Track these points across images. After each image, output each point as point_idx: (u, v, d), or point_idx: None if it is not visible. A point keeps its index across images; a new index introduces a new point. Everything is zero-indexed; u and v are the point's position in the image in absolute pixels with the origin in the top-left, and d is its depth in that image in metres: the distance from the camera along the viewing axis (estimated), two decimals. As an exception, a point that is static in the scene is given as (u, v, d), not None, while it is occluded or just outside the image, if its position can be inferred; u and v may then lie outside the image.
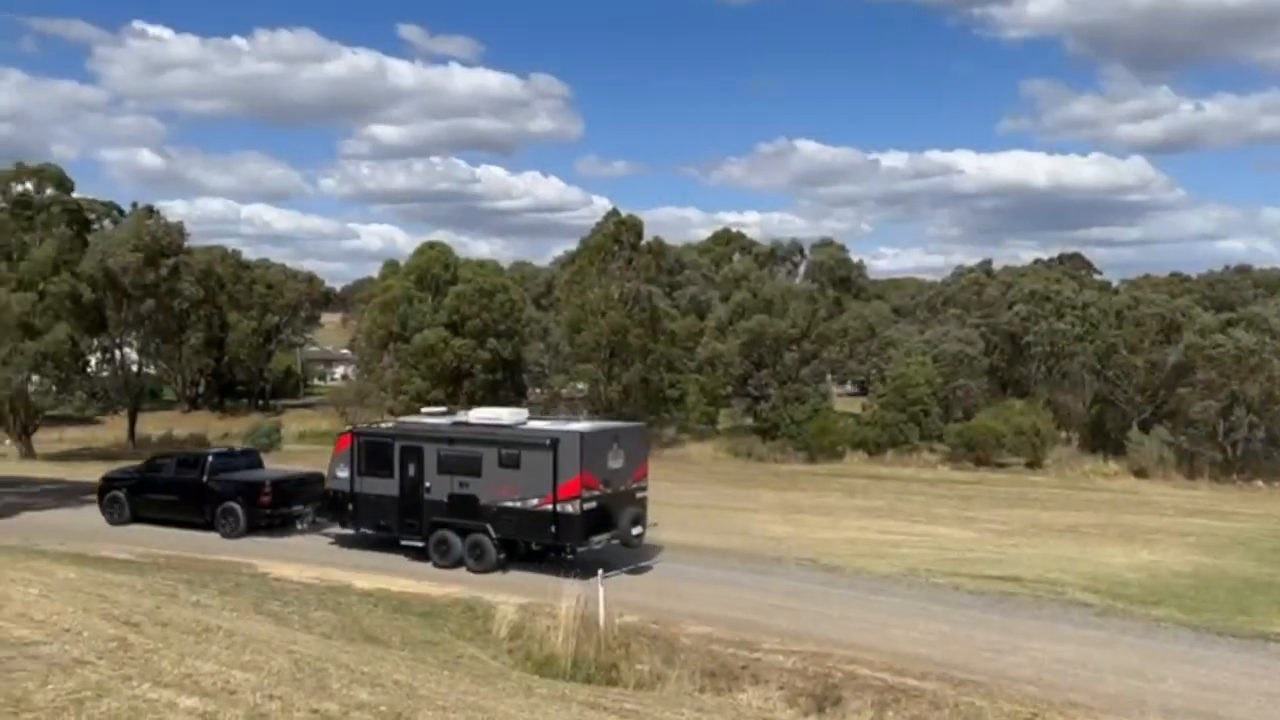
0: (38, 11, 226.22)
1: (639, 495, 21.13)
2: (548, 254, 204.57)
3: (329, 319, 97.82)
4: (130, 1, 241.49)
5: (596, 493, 19.34)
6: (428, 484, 20.44)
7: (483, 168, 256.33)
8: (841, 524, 28.32)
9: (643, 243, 50.96)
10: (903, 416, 46.14)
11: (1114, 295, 55.71)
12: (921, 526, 27.92)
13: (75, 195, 48.66)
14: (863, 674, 13.72)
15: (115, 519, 24.70)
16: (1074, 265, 79.11)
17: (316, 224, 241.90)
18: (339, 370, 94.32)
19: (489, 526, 19.70)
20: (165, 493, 24.40)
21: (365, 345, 52.31)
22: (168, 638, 8.31)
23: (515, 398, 53.34)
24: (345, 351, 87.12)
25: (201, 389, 72.96)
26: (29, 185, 46.18)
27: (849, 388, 67.62)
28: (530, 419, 22.08)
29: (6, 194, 45.67)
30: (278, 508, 23.61)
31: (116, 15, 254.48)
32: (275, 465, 28.39)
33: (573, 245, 58.06)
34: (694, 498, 32.56)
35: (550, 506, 19.01)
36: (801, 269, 58.83)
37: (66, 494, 30.25)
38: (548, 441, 19.31)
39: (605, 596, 15.70)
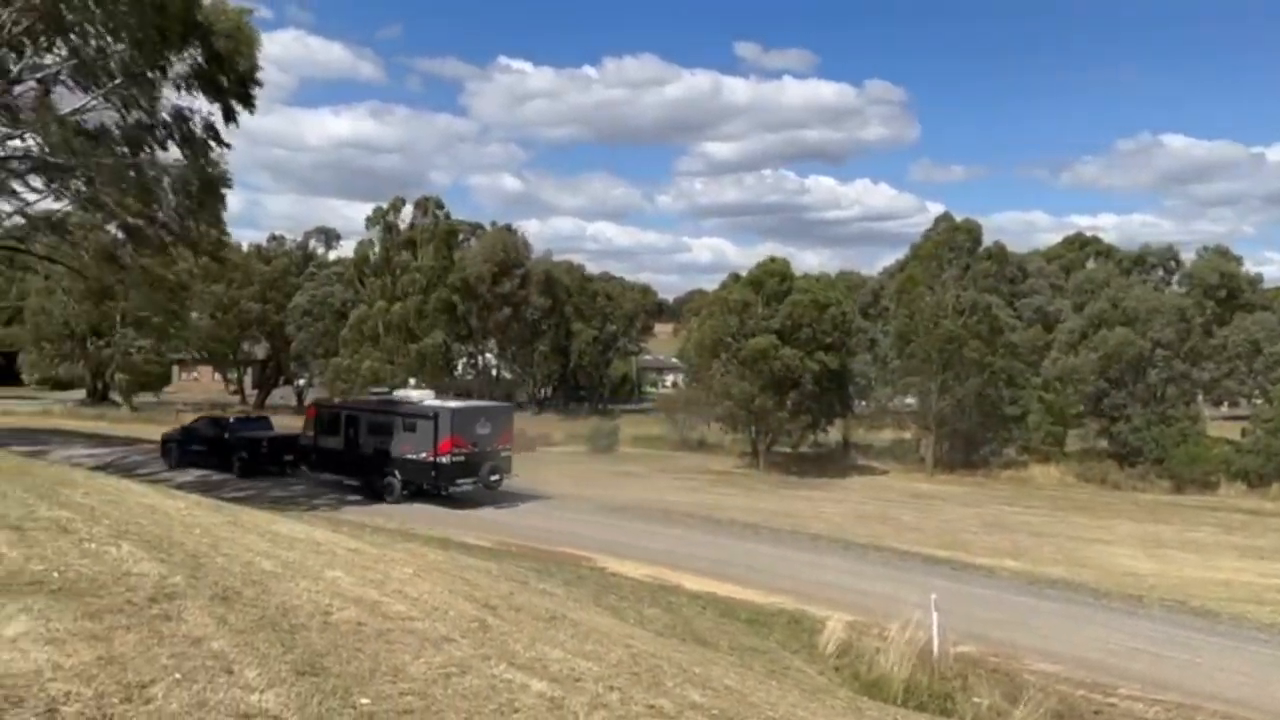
0: (421, 52, 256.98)
1: (503, 454, 28.66)
2: (876, 263, 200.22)
3: (661, 329, 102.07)
4: (496, 38, 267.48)
5: (465, 451, 27.02)
6: (361, 442, 28.41)
7: (812, 178, 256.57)
8: (1215, 563, 25.00)
9: (981, 248, 48.14)
10: (1294, 444, 39.99)
11: None
12: (1320, 573, 24.00)
13: (448, 218, 54.76)
14: (1245, 737, 11.90)
15: (170, 464, 32.00)
16: None
17: (652, 239, 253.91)
18: (669, 378, 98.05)
19: (396, 472, 27.55)
20: (200, 444, 32.11)
21: (695, 353, 53.88)
22: (520, 622, 8.81)
23: (841, 410, 52.58)
24: (675, 360, 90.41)
25: (549, 392, 78.67)
26: (414, 211, 52.69)
27: (1225, 409, 59.69)
28: (431, 399, 29.47)
29: (392, 221, 52.35)
30: (273, 457, 31.37)
31: (485, 51, 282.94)
32: (283, 429, 34.56)
33: (903, 254, 56.18)
34: (1037, 525, 30.22)
35: (432, 458, 26.70)
36: (1175, 277, 52.71)
37: (436, 483, 33.52)
38: (431, 414, 27.04)
39: (940, 623, 14.85)
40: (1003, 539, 29.00)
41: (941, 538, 28.43)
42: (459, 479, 27.02)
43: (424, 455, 26.93)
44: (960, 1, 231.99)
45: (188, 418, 40.30)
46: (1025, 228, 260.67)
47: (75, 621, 4.91)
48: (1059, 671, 14.48)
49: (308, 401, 36.89)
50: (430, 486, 27.26)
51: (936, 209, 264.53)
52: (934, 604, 15.52)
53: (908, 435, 55.31)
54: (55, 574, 5.83)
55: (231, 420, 34.50)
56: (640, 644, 10.00)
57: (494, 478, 28.18)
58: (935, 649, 14.37)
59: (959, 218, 49.39)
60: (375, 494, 27.78)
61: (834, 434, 56.33)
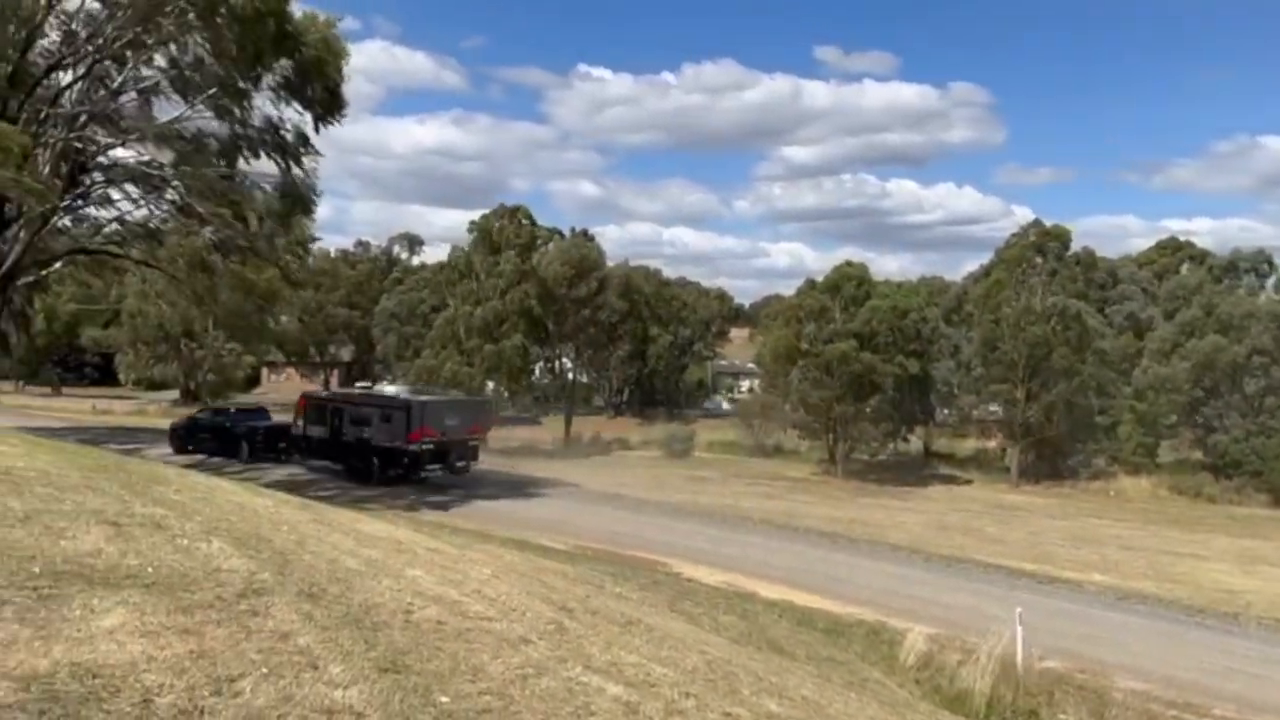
0: (503, 61, 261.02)
1: (471, 444, 31.55)
2: (960, 268, 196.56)
3: (737, 334, 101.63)
4: (577, 46, 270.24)
5: (434, 439, 29.65)
6: (344, 431, 31.21)
7: (893, 182, 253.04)
8: (1321, 582, 23.82)
9: (1069, 253, 46.83)
10: None
11: None
12: None
13: (529, 225, 55.54)
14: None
15: (176, 449, 34.01)
16: None
17: (729, 243, 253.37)
18: (744, 384, 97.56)
19: (375, 458, 30.13)
20: (205, 433, 34.70)
21: (771, 358, 53.50)
22: (596, 626, 8.83)
23: (922, 417, 51.64)
24: (751, 365, 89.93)
25: (625, 397, 78.99)
26: (503, 219, 53.66)
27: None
28: (406, 393, 32.23)
29: (489, 228, 53.38)
30: (269, 444, 33.82)
31: (565, 60, 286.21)
32: (278, 420, 36.45)
33: (987, 258, 54.98)
34: (1127, 538, 29.26)
35: (404, 446, 29.29)
36: (1269, 281, 50.63)
37: (513, 486, 33.90)
38: (404, 406, 29.76)
39: (1025, 637, 14.44)
40: (1091, 552, 28.11)
41: (1027, 550, 27.69)
42: (428, 465, 30.09)
43: (397, 443, 29.63)
44: (1048, 3, 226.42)
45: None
46: (1116, 232, 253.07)
47: (168, 615, 5.06)
48: (1149, 690, 13.97)
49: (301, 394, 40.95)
50: (403, 471, 29.92)
51: (1023, 213, 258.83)
52: (1019, 617, 15.09)
53: (992, 444, 54.08)
54: (150, 569, 6.02)
55: (233, 411, 37.80)
56: (716, 651, 9.94)
57: (460, 464, 31.22)
58: (1019, 664, 13.99)
59: (1048, 223, 48.18)
60: (357, 477, 30.49)
61: (915, 442, 55.36)
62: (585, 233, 67.65)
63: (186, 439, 34.98)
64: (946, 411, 55.28)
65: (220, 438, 34.33)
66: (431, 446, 29.70)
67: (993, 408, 50.77)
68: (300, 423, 33.06)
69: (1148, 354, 49.04)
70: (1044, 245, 47.25)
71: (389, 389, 33.44)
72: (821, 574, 21.19)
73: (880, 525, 30.97)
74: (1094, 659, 15.35)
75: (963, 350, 52.06)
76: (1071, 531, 33.02)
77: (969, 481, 49.43)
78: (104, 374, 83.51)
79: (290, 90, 26.37)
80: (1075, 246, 48.97)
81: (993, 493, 45.52)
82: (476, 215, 55.67)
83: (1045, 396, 45.36)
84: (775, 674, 9.90)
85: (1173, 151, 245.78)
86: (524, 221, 53.89)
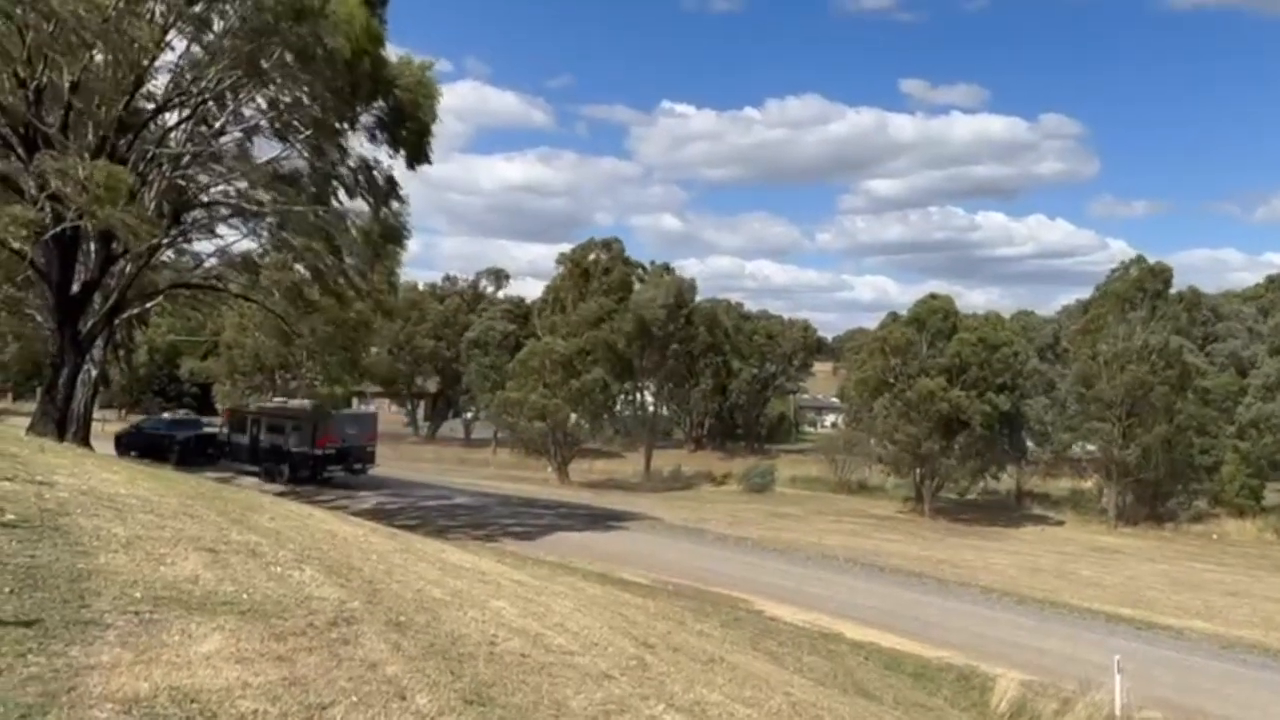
0: (589, 99, 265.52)
1: (367, 449, 37.69)
2: (1052, 303, 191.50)
3: (820, 368, 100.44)
4: (661, 83, 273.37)
5: (335, 445, 35.86)
6: (262, 438, 36.68)
7: (982, 214, 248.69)
8: None
9: (1172, 291, 45.28)
10: None
11: None
12: None
13: (626, 258, 56.13)
14: None
15: (120, 453, 35.22)
16: None
17: (812, 276, 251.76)
18: (828, 418, 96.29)
19: (288, 462, 35.47)
20: (144, 439, 38.74)
21: (856, 393, 52.69)
22: (678, 662, 8.73)
23: (1013, 455, 50.21)
24: (834, 399, 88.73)
25: (706, 430, 78.63)
26: (594, 254, 54.34)
27: None
28: (311, 407, 36.98)
29: (579, 261, 54.07)
30: (199, 449, 38.20)
31: (650, 97, 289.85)
32: (207, 429, 41.09)
33: (1082, 293, 53.49)
34: (1231, 583, 27.95)
35: (312, 451, 35.16)
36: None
37: (594, 519, 34.04)
38: (310, 418, 35.39)
39: (1124, 685, 13.83)
40: (1192, 598, 26.86)
41: (1124, 595, 26.60)
42: (330, 466, 35.93)
43: (306, 448, 35.40)
44: (1141, 35, 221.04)
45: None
46: (1216, 265, 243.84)
47: (262, 642, 5.16)
48: (1260, 747, 13.22)
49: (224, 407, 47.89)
50: (310, 472, 35.20)
51: (1118, 246, 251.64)
52: (1117, 665, 14.48)
53: (1087, 485, 52.26)
54: (244, 595, 6.17)
55: (168, 420, 43.34)
56: (800, 692, 9.73)
57: (358, 465, 37.22)
58: (1118, 713, 13.40)
59: (1146, 256, 46.94)
60: (270, 477, 34.90)
61: (1006, 481, 53.82)
62: (667, 266, 67.99)
63: (129, 444, 38.71)
64: (1040, 449, 53.64)
65: (156, 443, 38.39)
66: (334, 451, 35.95)
67: (1089, 446, 49.10)
68: (225, 431, 38.71)
69: (1251, 392, 46.98)
70: (1144, 282, 45.85)
71: (294, 404, 39.29)
72: (909, 615, 20.65)
73: (970, 566, 30.10)
74: (1196, 709, 14.67)
75: (1057, 387, 50.53)
76: (1171, 576, 31.64)
77: (1062, 522, 47.79)
78: (201, 404, 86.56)
79: (383, 131, 27.15)
80: (1177, 281, 47.52)
81: (1088, 534, 43.90)
82: (562, 249, 56.56)
83: (1144, 436, 43.74)
84: (861, 719, 9.66)
85: (1275, 184, 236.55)
86: (616, 255, 54.36)
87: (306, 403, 38.70)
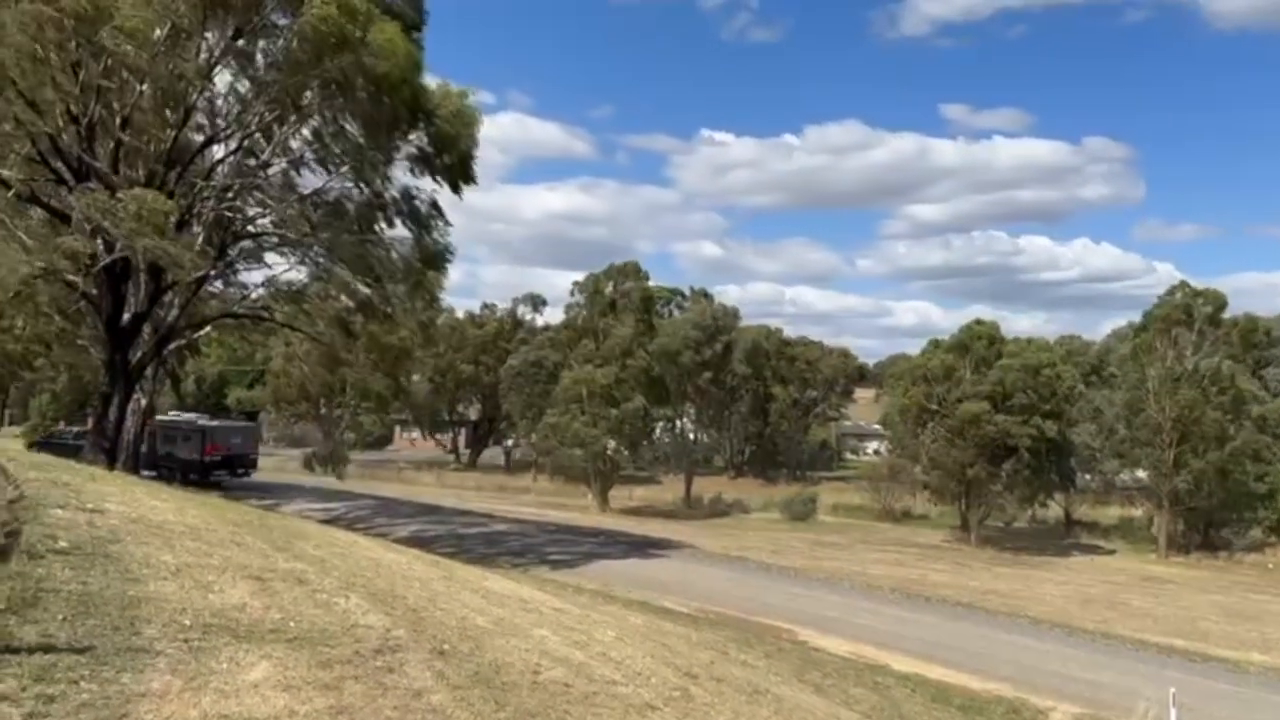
0: (629, 129, 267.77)
1: (251, 457, 44.26)
2: (1098, 327, 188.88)
3: (862, 394, 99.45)
4: (700, 112, 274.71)
5: (221, 453, 41.92)
6: (158, 447, 40.93)
7: (1025, 239, 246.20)
8: None
9: (1226, 316, 44.42)
10: None
11: None
12: None
13: (649, 285, 55.91)
14: None
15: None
16: None
17: (853, 302, 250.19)
18: (870, 446, 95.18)
19: (182, 467, 39.88)
20: (53, 449, 37.66)
21: (899, 419, 52.06)
22: (722, 694, 8.63)
23: (1061, 483, 49.30)
24: (876, 426, 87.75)
25: (746, 457, 78.10)
26: (618, 281, 54.28)
27: None
28: (201, 420, 44.73)
29: (601, 289, 54.09)
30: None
31: (689, 125, 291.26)
32: None
33: (1128, 317, 52.62)
34: (1292, 615, 26.99)
35: (200, 458, 40.79)
36: None
37: (635, 546, 33.84)
38: (199, 430, 42.00)
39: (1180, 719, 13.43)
40: (1248, 629, 26.12)
41: (1177, 625, 25.91)
42: (216, 470, 41.21)
43: (195, 456, 41.05)
44: (1185, 58, 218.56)
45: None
46: (1267, 289, 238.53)
47: (309, 670, 5.17)
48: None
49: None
50: (199, 475, 39.59)
51: (1165, 269, 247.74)
52: (1172, 698, 14.06)
53: (1138, 513, 51.11)
54: (291, 623, 6.19)
55: (76, 431, 44.58)
56: (848, 725, 9.55)
57: (241, 471, 43.08)
58: (1178, 750, 13.00)
59: (1193, 280, 46.61)
60: (164, 479, 35.63)
61: (1054, 509, 52.80)
62: (705, 292, 67.96)
63: (47, 450, 40.20)
64: (1088, 477, 52.59)
65: (63, 451, 39.19)
66: (220, 458, 41.91)
67: (1139, 474, 48.05)
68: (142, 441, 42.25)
69: (1308, 417, 45.76)
70: (1194, 307, 45.04)
71: (186, 416, 45.88)
72: (956, 646, 20.25)
73: (1018, 596, 29.50)
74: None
75: (1105, 413, 49.60)
76: (1226, 606, 30.78)
77: (1112, 551, 46.75)
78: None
79: (424, 161, 27.51)
80: (1227, 306, 46.60)
81: (1139, 563, 42.89)
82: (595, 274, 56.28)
83: (1195, 463, 42.75)
84: (911, 752, 9.45)
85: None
86: (636, 280, 54.22)
87: (196, 417, 46.29)
